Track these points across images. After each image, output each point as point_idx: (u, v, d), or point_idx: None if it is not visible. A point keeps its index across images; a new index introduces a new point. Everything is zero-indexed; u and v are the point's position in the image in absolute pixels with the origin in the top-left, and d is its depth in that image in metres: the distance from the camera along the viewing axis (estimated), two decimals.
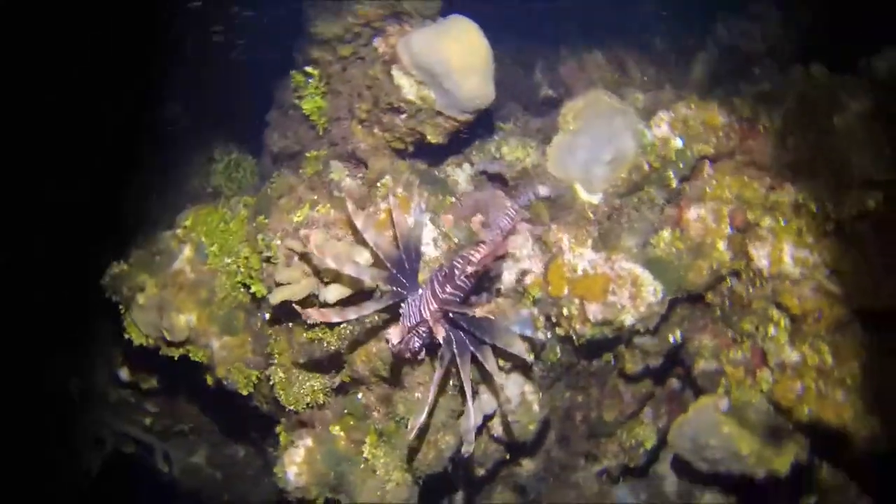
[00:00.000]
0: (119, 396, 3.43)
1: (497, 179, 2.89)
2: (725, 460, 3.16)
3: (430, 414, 2.32)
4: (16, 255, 3.14)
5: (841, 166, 2.44)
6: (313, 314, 2.05)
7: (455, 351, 2.23)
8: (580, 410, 3.59)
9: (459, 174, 3.12)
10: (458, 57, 2.20)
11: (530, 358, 2.52)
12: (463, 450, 2.27)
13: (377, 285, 2.28)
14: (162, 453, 3.70)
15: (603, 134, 2.69)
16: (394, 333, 2.13)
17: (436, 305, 2.20)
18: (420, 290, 2.26)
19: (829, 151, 2.48)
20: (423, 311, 2.17)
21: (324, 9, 2.46)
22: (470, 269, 2.18)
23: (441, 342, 2.14)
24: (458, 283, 2.26)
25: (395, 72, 2.34)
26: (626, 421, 3.52)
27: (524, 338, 2.48)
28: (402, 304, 2.22)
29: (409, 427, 2.21)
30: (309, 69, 2.79)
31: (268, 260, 2.38)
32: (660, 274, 2.76)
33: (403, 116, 2.53)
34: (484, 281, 2.54)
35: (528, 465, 3.39)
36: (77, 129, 3.17)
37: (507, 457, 3.10)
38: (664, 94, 2.88)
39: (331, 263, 2.08)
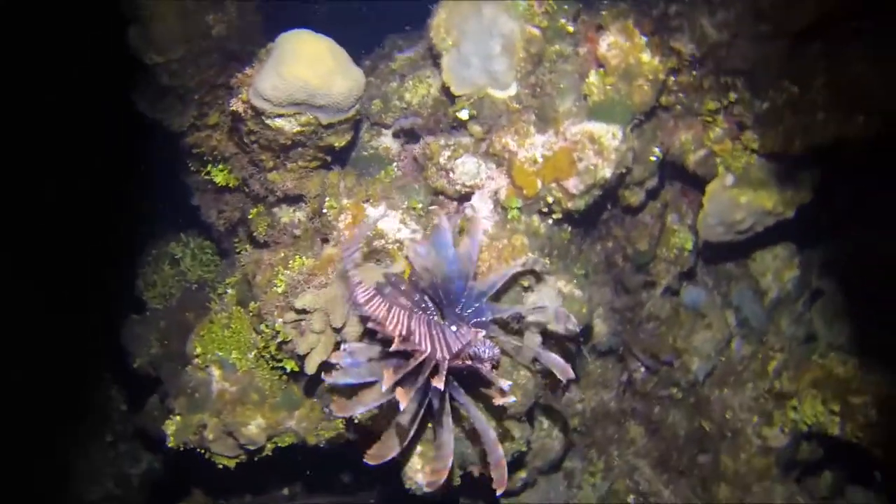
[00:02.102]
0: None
1: (412, 134, 2.84)
2: (758, 221, 3.27)
3: None
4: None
5: None
6: (336, 410, 2.13)
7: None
8: (617, 254, 3.71)
9: (384, 139, 3.07)
10: (310, 73, 2.08)
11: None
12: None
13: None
14: None
15: (481, 31, 2.56)
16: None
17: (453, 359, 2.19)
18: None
19: None
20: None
21: (164, 101, 2.33)
22: (372, 312, 2.13)
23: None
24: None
25: (267, 120, 2.25)
26: (659, 238, 3.62)
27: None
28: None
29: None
30: (195, 151, 2.70)
31: (284, 342, 2.46)
32: (609, 116, 2.73)
33: (303, 146, 2.46)
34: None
35: (600, 330, 3.58)
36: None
37: (581, 340, 3.27)
38: None
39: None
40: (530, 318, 2.62)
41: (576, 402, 3.89)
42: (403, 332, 2.12)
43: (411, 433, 2.22)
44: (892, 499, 3.62)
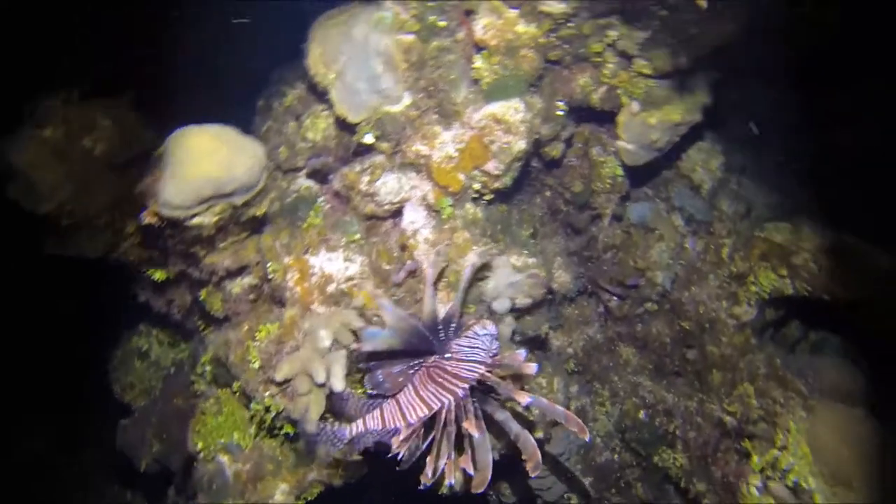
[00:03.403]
0: None
1: (318, 175, 2.86)
2: (673, 133, 3.42)
3: None
4: None
5: None
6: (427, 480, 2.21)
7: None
8: (557, 200, 3.83)
9: (302, 181, 3.06)
10: (210, 168, 2.04)
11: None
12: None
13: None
14: None
15: (358, 55, 2.55)
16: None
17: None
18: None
19: None
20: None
21: (72, 239, 2.25)
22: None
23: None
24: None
25: (186, 224, 2.22)
26: (591, 174, 3.73)
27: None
28: None
29: None
30: (124, 261, 2.67)
31: (277, 413, 2.52)
32: (505, 93, 2.77)
33: (227, 228, 2.45)
34: None
35: (564, 280, 3.73)
36: None
37: (551, 297, 3.43)
38: None
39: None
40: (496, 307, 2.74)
41: (566, 348, 4.08)
42: (425, 414, 2.21)
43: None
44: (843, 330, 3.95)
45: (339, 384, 2.44)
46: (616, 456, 4.15)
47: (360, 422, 2.26)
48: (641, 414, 4.10)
